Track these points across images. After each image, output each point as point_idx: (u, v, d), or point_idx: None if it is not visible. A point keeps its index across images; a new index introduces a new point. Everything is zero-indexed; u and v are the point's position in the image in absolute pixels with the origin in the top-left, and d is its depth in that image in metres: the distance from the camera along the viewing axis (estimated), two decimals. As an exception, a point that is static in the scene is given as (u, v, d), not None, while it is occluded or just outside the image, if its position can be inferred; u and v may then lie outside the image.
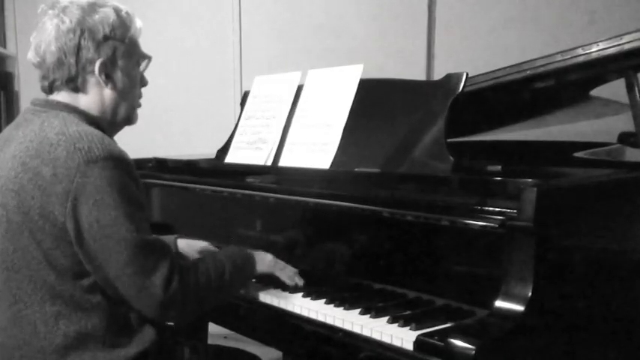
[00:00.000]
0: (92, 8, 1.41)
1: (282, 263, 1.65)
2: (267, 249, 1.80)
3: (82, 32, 1.39)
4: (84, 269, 1.32)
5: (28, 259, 1.32)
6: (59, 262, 1.31)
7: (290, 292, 1.59)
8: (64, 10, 1.40)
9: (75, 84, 1.42)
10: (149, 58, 1.54)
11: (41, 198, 1.29)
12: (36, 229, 1.30)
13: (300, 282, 1.63)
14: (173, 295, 1.33)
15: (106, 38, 1.41)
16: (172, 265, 1.35)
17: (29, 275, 1.33)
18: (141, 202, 1.36)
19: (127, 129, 1.58)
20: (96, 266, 1.31)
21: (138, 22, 1.50)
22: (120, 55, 1.45)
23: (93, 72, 1.42)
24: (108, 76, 1.44)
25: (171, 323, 1.54)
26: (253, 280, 1.68)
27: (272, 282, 1.66)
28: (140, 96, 1.56)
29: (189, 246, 1.78)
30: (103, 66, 1.42)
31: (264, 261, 1.62)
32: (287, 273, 1.64)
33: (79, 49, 1.39)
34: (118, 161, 1.32)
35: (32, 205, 1.30)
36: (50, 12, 1.40)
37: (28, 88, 3.55)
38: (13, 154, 1.36)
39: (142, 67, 1.54)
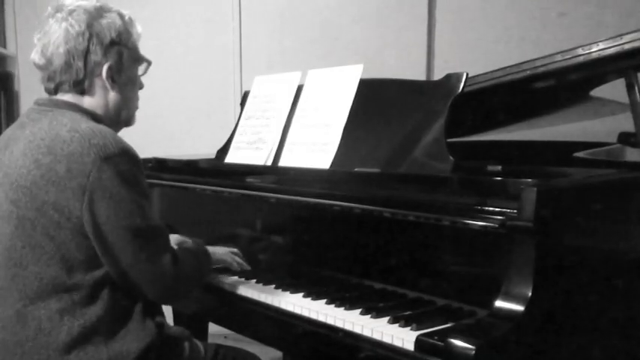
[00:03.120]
0: (99, 13, 1.45)
1: (227, 250, 1.81)
2: (266, 249, 1.80)
3: (91, 36, 1.43)
4: (96, 262, 1.36)
5: (39, 255, 1.34)
6: (72, 256, 1.34)
7: (291, 293, 1.59)
8: (71, 13, 1.43)
9: (82, 87, 1.46)
10: (149, 62, 1.58)
11: (55, 193, 1.32)
12: (50, 223, 1.33)
13: (244, 267, 1.81)
14: (179, 274, 1.42)
15: (112, 43, 1.46)
16: (173, 248, 1.46)
17: (37, 272, 1.35)
18: (148, 194, 1.43)
19: (128, 129, 1.60)
20: (111, 256, 1.35)
21: (139, 28, 1.54)
22: (125, 60, 1.49)
23: (100, 75, 1.46)
24: (113, 79, 1.48)
25: (171, 324, 1.56)
26: (253, 281, 1.70)
27: (269, 280, 1.67)
28: (138, 99, 1.60)
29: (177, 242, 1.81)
30: (110, 70, 1.46)
31: (214, 254, 1.74)
32: (234, 259, 1.80)
33: (87, 52, 1.43)
34: (130, 156, 1.37)
35: (46, 200, 1.33)
36: (58, 15, 1.43)
37: (28, 88, 3.55)
38: (23, 152, 1.38)
39: (141, 71, 1.58)
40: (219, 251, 1.79)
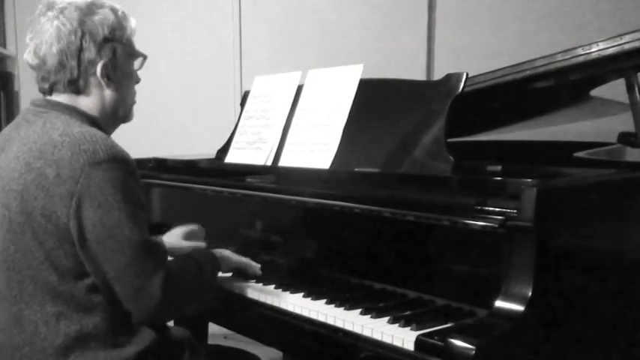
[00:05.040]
0: (90, 9, 1.41)
1: (238, 257, 1.70)
2: (266, 249, 1.80)
3: (83, 34, 1.39)
4: (85, 269, 1.32)
5: (30, 260, 1.32)
6: (61, 263, 1.31)
7: (291, 293, 1.59)
8: (62, 11, 1.39)
9: (76, 86, 1.42)
10: (145, 56, 1.55)
11: (44, 198, 1.29)
12: (38, 229, 1.30)
13: (257, 268, 1.71)
14: (169, 298, 1.34)
15: (106, 39, 1.42)
16: (167, 268, 1.37)
17: (30, 276, 1.33)
18: (143, 203, 1.37)
19: (127, 129, 1.58)
20: (96, 267, 1.31)
21: (133, 22, 1.50)
22: (119, 56, 1.45)
23: (95, 73, 1.42)
24: (109, 77, 1.44)
25: (171, 324, 1.55)
26: (253, 281, 1.69)
27: (269, 280, 1.67)
28: (135, 93, 1.56)
29: (183, 235, 1.79)
30: (104, 68, 1.42)
31: (226, 261, 1.66)
32: (247, 264, 1.70)
33: (80, 51, 1.39)
34: (122, 162, 1.32)
35: (35, 205, 1.30)
36: (49, 13, 1.40)
37: (28, 88, 3.55)
38: (16, 155, 1.35)
39: (137, 66, 1.54)
40: (237, 258, 1.71)
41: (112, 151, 1.31)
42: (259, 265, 1.72)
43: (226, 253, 1.68)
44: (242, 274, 1.72)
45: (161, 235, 1.76)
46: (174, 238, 1.76)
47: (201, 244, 1.79)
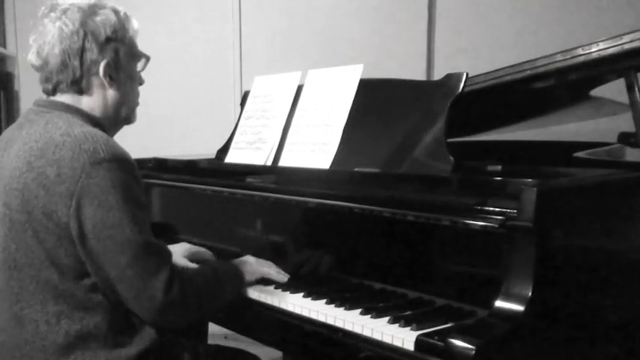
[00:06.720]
0: (92, 10, 1.43)
1: (263, 262, 1.68)
2: (266, 249, 1.80)
3: (86, 34, 1.41)
4: (86, 269, 1.33)
5: (31, 258, 1.33)
6: (62, 262, 1.32)
7: (291, 293, 1.59)
8: (64, 12, 1.41)
9: (79, 86, 1.44)
10: (147, 57, 1.56)
11: (45, 197, 1.30)
12: (39, 228, 1.31)
13: (286, 277, 1.66)
14: (173, 300, 1.34)
15: (108, 40, 1.43)
16: (173, 269, 1.37)
17: (31, 274, 1.33)
18: (143, 203, 1.37)
19: (127, 129, 1.59)
20: (97, 267, 1.31)
21: (135, 23, 1.52)
22: (122, 56, 1.47)
23: (97, 73, 1.44)
24: (111, 77, 1.46)
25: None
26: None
27: (270, 281, 1.67)
28: (138, 95, 1.57)
29: (188, 252, 1.77)
30: (107, 67, 1.44)
31: (250, 270, 1.64)
32: (275, 270, 1.67)
33: (82, 51, 1.41)
34: (122, 162, 1.33)
35: (36, 204, 1.31)
36: (52, 14, 1.42)
37: (28, 88, 3.56)
38: (17, 154, 1.36)
39: (140, 67, 1.55)
40: (260, 268, 1.67)
41: (112, 151, 1.32)
42: (288, 276, 1.67)
43: (251, 260, 1.67)
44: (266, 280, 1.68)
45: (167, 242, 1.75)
46: (177, 251, 1.73)
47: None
